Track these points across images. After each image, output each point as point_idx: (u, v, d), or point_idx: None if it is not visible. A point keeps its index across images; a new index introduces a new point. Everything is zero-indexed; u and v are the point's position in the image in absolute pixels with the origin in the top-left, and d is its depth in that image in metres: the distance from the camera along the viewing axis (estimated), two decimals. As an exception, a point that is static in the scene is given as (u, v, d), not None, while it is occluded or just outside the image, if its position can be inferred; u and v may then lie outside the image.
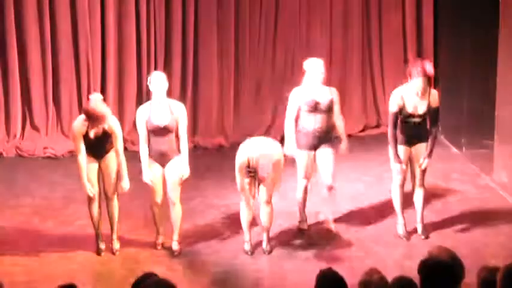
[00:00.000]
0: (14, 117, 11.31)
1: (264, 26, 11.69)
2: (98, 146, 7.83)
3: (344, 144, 8.36)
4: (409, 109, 8.01)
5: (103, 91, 11.30)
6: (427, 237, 8.29)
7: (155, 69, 11.42)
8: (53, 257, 7.97)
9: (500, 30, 9.62)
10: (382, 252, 8.01)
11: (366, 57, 12.01)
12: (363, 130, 11.66)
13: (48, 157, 11.14)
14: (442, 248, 4.81)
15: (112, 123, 7.82)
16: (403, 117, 8.06)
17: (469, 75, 10.82)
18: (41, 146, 11.25)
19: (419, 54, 11.75)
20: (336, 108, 8.31)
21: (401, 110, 8.03)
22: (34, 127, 11.42)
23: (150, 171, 7.90)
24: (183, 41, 11.49)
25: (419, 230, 8.37)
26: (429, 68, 7.99)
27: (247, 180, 7.84)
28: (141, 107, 8.08)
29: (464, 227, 8.56)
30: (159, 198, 8.03)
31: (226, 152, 10.26)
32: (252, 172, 7.72)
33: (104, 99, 11.20)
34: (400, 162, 8.12)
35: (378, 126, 11.83)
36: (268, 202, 7.94)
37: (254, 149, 7.76)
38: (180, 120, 7.90)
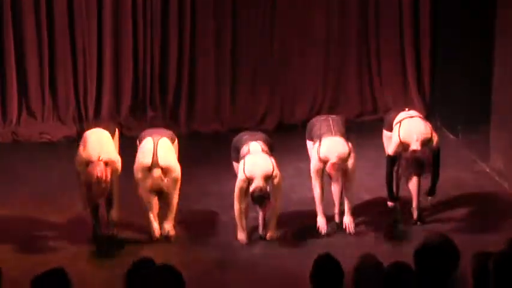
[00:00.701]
0: (10, 102, 11.28)
1: (262, 13, 11.65)
2: None
3: (348, 219, 8.09)
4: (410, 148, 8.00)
5: (99, 76, 11.30)
6: (423, 223, 8.30)
7: (151, 54, 11.40)
8: (48, 242, 7.97)
9: (497, 16, 9.60)
10: (377, 237, 8.02)
11: (363, 42, 11.98)
12: (359, 115, 11.64)
13: (45, 142, 11.14)
14: (438, 234, 4.82)
15: (113, 160, 7.85)
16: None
17: (466, 60, 10.80)
18: (37, 132, 11.23)
19: (416, 40, 11.74)
20: (350, 173, 7.99)
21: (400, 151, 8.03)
22: (30, 112, 11.40)
23: None
24: (180, 27, 11.45)
25: (415, 215, 8.37)
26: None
27: (244, 205, 7.88)
28: (138, 166, 7.98)
29: (460, 213, 8.57)
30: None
31: (223, 138, 10.24)
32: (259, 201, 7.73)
33: (100, 84, 11.33)
34: (394, 202, 8.17)
35: (374, 111, 11.81)
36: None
37: (254, 171, 7.72)
38: (172, 185, 7.90)
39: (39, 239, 8.05)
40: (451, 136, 11.02)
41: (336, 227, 8.28)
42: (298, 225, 8.37)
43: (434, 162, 8.12)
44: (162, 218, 8.13)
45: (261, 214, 8.07)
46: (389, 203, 8.29)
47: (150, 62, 11.38)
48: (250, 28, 11.65)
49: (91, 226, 8.09)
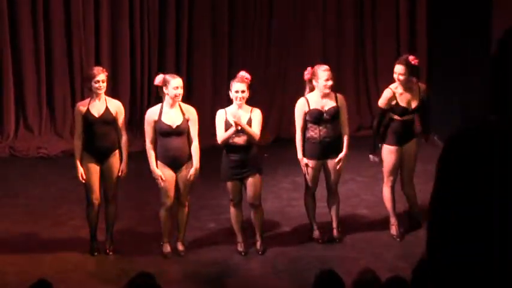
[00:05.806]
0: (8, 117, 11.31)
1: (258, 24, 11.70)
2: (102, 139, 7.82)
3: (343, 155, 8.07)
4: (402, 103, 8.05)
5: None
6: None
7: (149, 69, 11.45)
8: (46, 256, 7.96)
9: (493, 32, 9.64)
10: (375, 253, 8.01)
11: (360, 57, 12.02)
12: (356, 130, 11.66)
13: (42, 157, 11.14)
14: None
15: (114, 102, 8.04)
16: (397, 114, 8.07)
17: (462, 75, 10.84)
18: (35, 146, 11.24)
19: (412, 55, 11.80)
20: (343, 117, 8.08)
21: (393, 106, 8.06)
22: (28, 127, 11.42)
23: (161, 173, 7.82)
24: (177, 41, 11.50)
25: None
26: (412, 57, 8.12)
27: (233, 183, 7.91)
28: (151, 108, 7.99)
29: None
30: (169, 202, 7.93)
31: (219, 152, 10.25)
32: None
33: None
34: (373, 154, 8.18)
35: (371, 127, 11.82)
36: (258, 205, 7.96)
37: None
38: (192, 123, 7.89)
39: (36, 253, 8.03)
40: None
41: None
42: (295, 240, 8.36)
43: (426, 110, 8.28)
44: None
45: (257, 233, 8.05)
46: (371, 156, 8.28)
47: (147, 77, 11.40)
48: (247, 42, 11.69)
49: (89, 240, 8.07)
